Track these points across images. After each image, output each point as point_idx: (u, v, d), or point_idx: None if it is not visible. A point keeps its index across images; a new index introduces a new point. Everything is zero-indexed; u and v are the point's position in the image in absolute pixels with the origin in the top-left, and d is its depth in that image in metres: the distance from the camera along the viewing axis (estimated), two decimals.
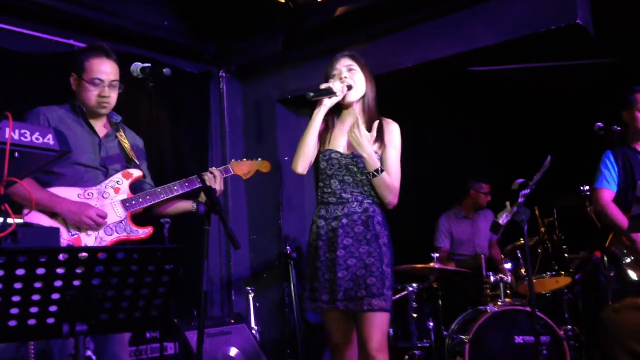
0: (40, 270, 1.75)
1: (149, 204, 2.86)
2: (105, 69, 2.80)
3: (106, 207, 2.76)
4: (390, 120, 2.96)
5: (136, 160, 2.91)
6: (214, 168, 2.99)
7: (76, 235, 2.67)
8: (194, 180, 2.89)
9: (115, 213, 2.78)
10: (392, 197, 2.87)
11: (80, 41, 4.13)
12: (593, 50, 4.48)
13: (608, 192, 3.60)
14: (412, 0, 4.33)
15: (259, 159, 3.27)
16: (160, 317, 2.03)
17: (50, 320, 1.84)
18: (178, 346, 3.80)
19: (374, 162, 2.81)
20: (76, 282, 1.81)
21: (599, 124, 3.51)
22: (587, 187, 4.16)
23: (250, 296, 4.47)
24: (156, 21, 4.55)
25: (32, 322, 1.81)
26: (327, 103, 2.87)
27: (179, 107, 4.89)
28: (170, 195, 2.88)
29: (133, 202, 2.82)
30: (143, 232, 2.84)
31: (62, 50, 4.12)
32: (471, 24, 4.28)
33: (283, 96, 5.19)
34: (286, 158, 5.13)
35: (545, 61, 4.73)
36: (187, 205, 3.00)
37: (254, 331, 4.20)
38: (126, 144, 2.92)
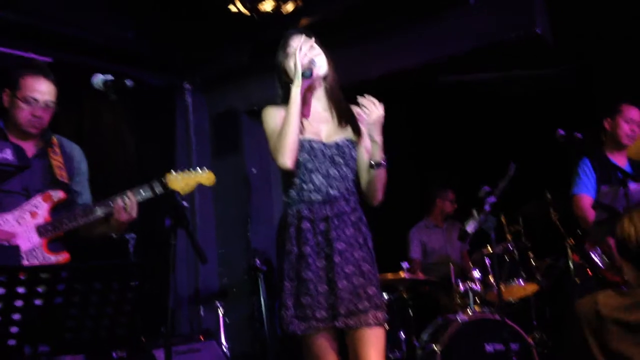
0: (0, 290, 1.69)
1: (66, 228, 2.63)
2: (42, 89, 2.65)
3: (20, 235, 2.57)
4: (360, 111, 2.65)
5: (65, 180, 2.73)
6: (129, 191, 2.66)
7: None
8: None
9: (29, 240, 2.58)
10: (381, 194, 2.58)
11: (41, 54, 4.04)
12: (553, 59, 4.58)
13: (587, 197, 3.69)
14: (375, 11, 4.37)
15: (204, 168, 2.87)
16: (127, 335, 1.97)
17: (11, 342, 1.77)
18: None
19: (381, 153, 2.51)
20: (38, 302, 1.75)
21: (561, 131, 3.58)
22: (549, 195, 4.26)
23: (220, 311, 4.40)
24: (119, 33, 4.49)
25: None
26: (304, 81, 2.49)
27: (143, 120, 4.82)
28: (91, 219, 2.64)
29: (49, 227, 2.61)
30: (56, 258, 2.61)
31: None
32: (435, 34, 4.34)
33: (249, 107, 5.17)
34: (254, 170, 5.11)
35: (507, 69, 4.81)
36: (103, 229, 2.74)
37: (224, 347, 4.14)
38: (56, 161, 2.73)
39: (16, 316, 1.73)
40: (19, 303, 1.72)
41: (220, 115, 5.34)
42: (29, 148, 2.71)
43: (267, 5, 4.22)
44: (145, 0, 4.49)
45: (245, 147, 5.18)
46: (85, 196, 2.84)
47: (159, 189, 2.72)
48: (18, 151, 1.86)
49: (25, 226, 2.58)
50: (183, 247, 4.84)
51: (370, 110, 2.46)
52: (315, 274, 2.42)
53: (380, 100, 2.62)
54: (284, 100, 2.56)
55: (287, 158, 2.43)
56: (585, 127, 3.84)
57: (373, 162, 2.53)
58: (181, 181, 2.78)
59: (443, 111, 5.39)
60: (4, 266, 1.71)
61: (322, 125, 2.57)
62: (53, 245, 2.66)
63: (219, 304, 4.43)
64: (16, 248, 2.39)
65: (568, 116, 4.17)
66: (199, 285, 5.04)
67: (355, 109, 2.62)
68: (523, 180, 3.52)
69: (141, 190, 2.69)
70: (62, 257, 2.64)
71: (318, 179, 2.48)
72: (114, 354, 3.59)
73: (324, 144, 2.51)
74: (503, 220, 4.27)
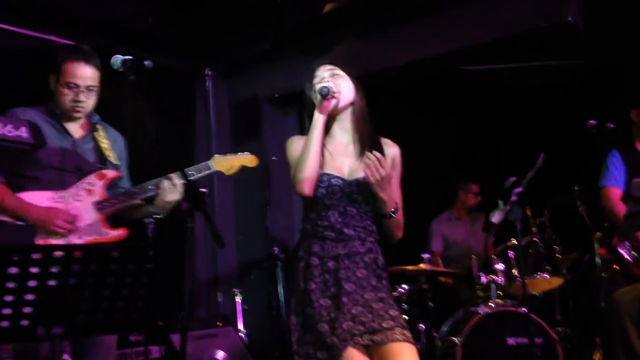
0: (13, 270, 1.66)
1: (122, 204, 2.73)
2: (82, 74, 2.71)
3: (78, 210, 2.67)
4: (389, 142, 2.56)
5: (113, 161, 2.84)
6: (173, 175, 2.74)
7: (46, 241, 2.58)
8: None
9: (88, 216, 2.68)
10: (400, 232, 2.51)
11: (61, 37, 4.03)
12: (584, 49, 4.45)
13: (616, 190, 3.59)
14: None
15: (245, 152, 3.04)
16: (142, 319, 1.94)
17: (24, 323, 1.75)
18: (164, 349, 3.70)
19: (392, 203, 2.40)
20: (51, 282, 1.72)
21: (592, 121, 3.46)
22: (577, 187, 4.15)
23: (238, 298, 4.38)
24: (140, 16, 4.46)
25: (4, 324, 1.72)
26: (329, 107, 2.42)
27: (163, 105, 4.79)
28: (145, 195, 2.75)
29: (106, 203, 2.71)
30: (116, 233, 2.72)
31: (41, 46, 4.01)
32: (462, 21, 4.24)
33: (270, 95, 5.12)
34: (274, 158, 5.04)
35: (537, 60, 4.69)
36: (146, 210, 2.86)
37: (241, 334, 4.12)
38: (104, 144, 2.83)
39: (29, 296, 1.71)
40: (32, 283, 1.69)
41: (241, 102, 5.30)
42: (78, 130, 2.83)
43: None
44: None
45: (266, 134, 5.13)
46: (126, 181, 2.94)
47: (206, 171, 2.85)
48: (34, 129, 1.83)
49: (83, 202, 2.68)
50: (202, 233, 4.87)
51: (376, 170, 2.31)
52: (317, 312, 2.33)
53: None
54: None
55: (304, 185, 2.36)
56: (617, 118, 3.72)
57: (380, 214, 2.45)
58: (226, 163, 2.92)
59: (470, 100, 5.28)
60: (17, 245, 1.69)
61: (346, 159, 2.49)
62: (110, 221, 2.76)
63: (237, 291, 4.41)
64: (31, 228, 2.38)
65: (599, 107, 4.05)
66: (218, 272, 5.02)
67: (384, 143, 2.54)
68: (550, 171, 3.42)
69: (187, 172, 2.78)
70: (122, 232, 2.74)
71: (334, 216, 2.41)
72: (131, 337, 3.59)
73: (343, 181, 2.43)
74: (529, 212, 4.17)
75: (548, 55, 4.61)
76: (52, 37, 4.01)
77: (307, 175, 2.36)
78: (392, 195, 2.41)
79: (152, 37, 4.62)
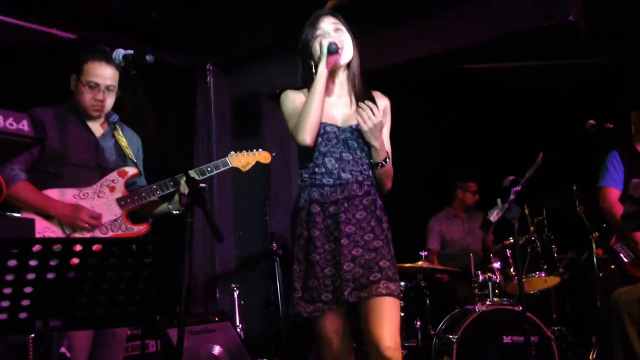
0: (12, 262, 1.66)
1: (144, 201, 2.83)
2: (103, 73, 2.79)
3: (101, 207, 2.76)
4: (380, 94, 2.63)
5: (133, 158, 2.92)
6: (191, 171, 2.86)
7: (71, 235, 2.69)
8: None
9: (111, 212, 2.79)
10: (390, 183, 2.59)
11: (63, 30, 4.03)
12: (584, 49, 4.45)
13: (614, 191, 3.60)
14: None
15: (259, 149, 3.13)
16: (140, 313, 1.94)
17: (23, 315, 1.75)
18: (161, 344, 3.71)
19: (384, 152, 2.50)
20: (50, 275, 1.73)
21: (591, 121, 3.48)
22: (576, 187, 4.16)
23: (235, 294, 4.39)
24: (142, 11, 4.45)
25: (2, 316, 1.73)
26: (333, 62, 2.48)
27: (164, 99, 4.80)
28: (166, 192, 2.83)
29: (128, 200, 2.81)
30: (138, 228, 2.83)
31: (45, 40, 4.01)
32: (462, 20, 4.24)
33: (271, 91, 5.10)
34: (274, 153, 5.05)
35: (537, 59, 4.69)
36: (164, 207, 2.96)
37: (238, 329, 4.13)
38: (123, 142, 2.91)
39: (28, 289, 1.71)
40: (31, 276, 1.70)
41: (241, 98, 5.30)
42: (99, 128, 2.90)
43: None
44: None
45: (265, 130, 5.14)
46: (143, 178, 3.00)
47: (224, 167, 2.96)
48: (35, 123, 1.84)
49: (106, 199, 2.77)
50: (201, 228, 4.88)
51: (368, 118, 2.43)
52: (322, 257, 2.42)
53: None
54: (304, 82, 2.57)
55: (307, 134, 2.42)
56: (616, 119, 3.73)
57: (372, 163, 2.53)
58: (242, 159, 3.04)
59: (470, 99, 5.29)
60: (16, 238, 1.69)
61: (339, 109, 2.56)
62: (130, 217, 2.84)
63: (234, 286, 4.42)
64: (31, 221, 2.39)
65: (599, 107, 4.06)
66: (216, 267, 5.03)
67: (376, 96, 2.61)
68: (549, 171, 3.44)
69: (205, 169, 2.89)
70: (144, 227, 2.84)
71: (330, 162, 2.48)
72: (128, 331, 3.60)
73: (338, 128, 2.51)
74: (527, 211, 4.19)
75: (548, 55, 4.61)
76: (54, 31, 4.01)
77: (310, 125, 2.41)
78: (384, 144, 2.50)
79: (153, 32, 4.62)
